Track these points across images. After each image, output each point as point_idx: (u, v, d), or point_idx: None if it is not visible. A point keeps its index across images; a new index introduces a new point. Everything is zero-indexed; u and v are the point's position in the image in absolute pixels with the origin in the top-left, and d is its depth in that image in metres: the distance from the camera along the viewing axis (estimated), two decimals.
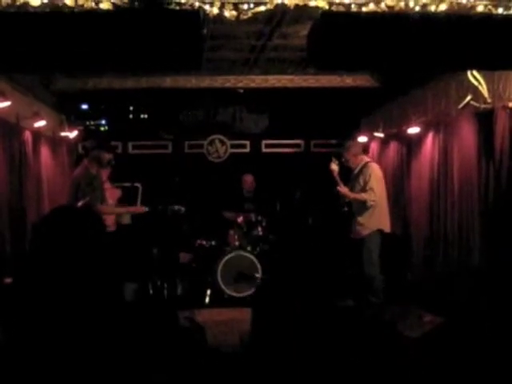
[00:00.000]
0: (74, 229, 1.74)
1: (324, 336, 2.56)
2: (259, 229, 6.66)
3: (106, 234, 1.90)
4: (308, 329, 2.40)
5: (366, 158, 5.66)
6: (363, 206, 5.35)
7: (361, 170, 5.46)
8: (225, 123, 8.04)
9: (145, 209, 5.51)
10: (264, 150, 8.16)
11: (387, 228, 5.46)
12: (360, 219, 5.39)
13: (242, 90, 6.92)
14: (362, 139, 6.95)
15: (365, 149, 6.37)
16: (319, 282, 5.50)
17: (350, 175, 5.63)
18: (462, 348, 3.47)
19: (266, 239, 6.72)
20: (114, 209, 5.54)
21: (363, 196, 5.31)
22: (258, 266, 6.24)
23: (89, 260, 1.73)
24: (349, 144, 5.72)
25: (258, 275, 6.19)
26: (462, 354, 3.38)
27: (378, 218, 5.37)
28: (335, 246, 6.54)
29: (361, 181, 5.41)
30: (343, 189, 5.39)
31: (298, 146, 8.18)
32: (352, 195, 5.39)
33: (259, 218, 6.69)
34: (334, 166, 5.46)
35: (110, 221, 5.34)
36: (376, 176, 5.39)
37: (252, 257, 6.29)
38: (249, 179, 7.17)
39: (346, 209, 5.56)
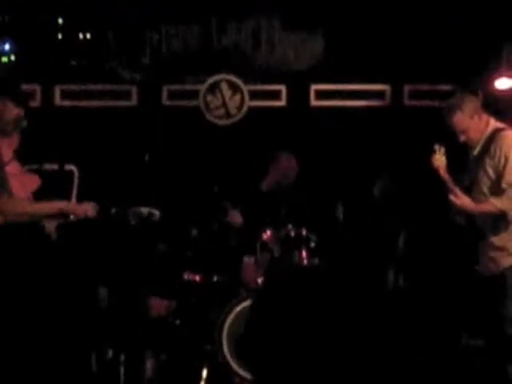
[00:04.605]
0: None
1: None
2: (303, 254, 6.62)
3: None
4: None
5: (493, 122, 5.58)
6: (500, 219, 5.40)
7: (486, 148, 5.47)
8: (239, 51, 8.14)
9: (86, 211, 5.36)
10: (314, 102, 8.24)
11: None
12: (496, 241, 5.44)
13: None
14: (504, 84, 7.10)
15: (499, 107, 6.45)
16: (414, 357, 5.17)
17: (464, 161, 5.61)
18: None
19: (315, 273, 6.62)
20: (28, 205, 5.40)
21: (496, 204, 5.34)
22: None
23: None
24: (458, 98, 5.60)
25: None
26: None
27: None
28: (447, 289, 6.55)
29: (489, 169, 5.44)
30: (462, 198, 5.42)
31: (379, 95, 8.28)
32: (478, 208, 5.45)
33: (303, 232, 6.65)
34: (441, 160, 5.48)
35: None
36: None
37: None
38: (286, 162, 7.07)
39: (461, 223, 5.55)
